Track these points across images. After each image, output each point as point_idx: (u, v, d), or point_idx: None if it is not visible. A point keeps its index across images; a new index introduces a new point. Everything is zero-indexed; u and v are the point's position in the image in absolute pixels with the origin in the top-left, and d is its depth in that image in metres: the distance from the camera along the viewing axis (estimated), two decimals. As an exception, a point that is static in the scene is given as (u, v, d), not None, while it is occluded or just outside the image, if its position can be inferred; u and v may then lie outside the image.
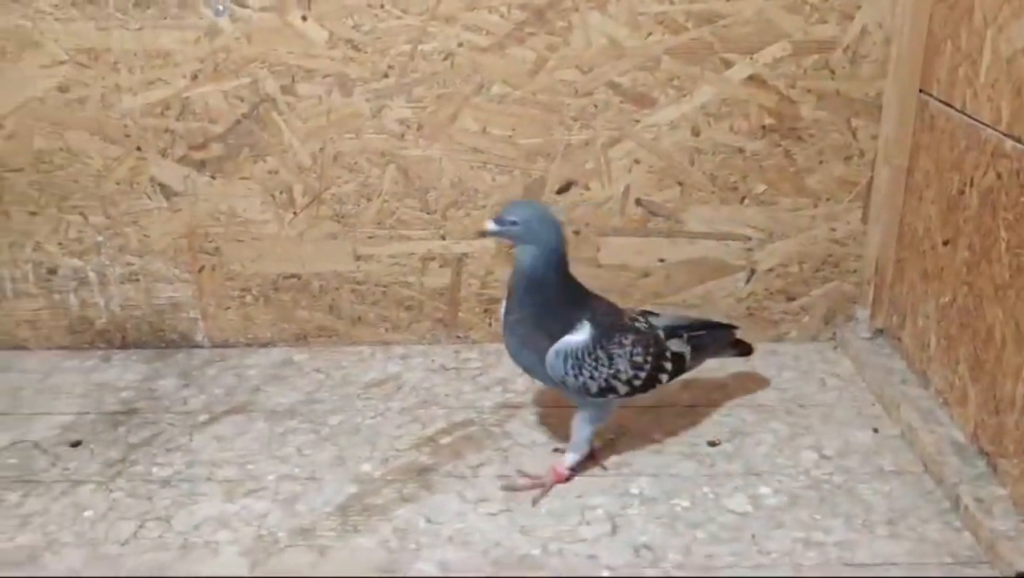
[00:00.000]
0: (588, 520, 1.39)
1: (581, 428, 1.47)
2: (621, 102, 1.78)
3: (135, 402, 1.75)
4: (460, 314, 1.96)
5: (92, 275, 1.92)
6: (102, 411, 1.72)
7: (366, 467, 1.53)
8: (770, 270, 1.91)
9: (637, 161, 1.83)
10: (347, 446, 1.59)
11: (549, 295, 1.40)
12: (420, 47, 1.75)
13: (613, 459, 1.55)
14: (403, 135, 1.81)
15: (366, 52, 1.75)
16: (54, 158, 1.83)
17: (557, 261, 1.39)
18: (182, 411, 1.71)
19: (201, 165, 1.83)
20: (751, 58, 1.76)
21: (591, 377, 1.40)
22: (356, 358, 1.92)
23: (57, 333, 1.97)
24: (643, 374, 1.44)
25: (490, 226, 1.39)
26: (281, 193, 1.86)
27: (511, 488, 1.47)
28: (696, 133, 1.80)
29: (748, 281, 1.92)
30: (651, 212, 1.86)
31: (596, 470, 1.51)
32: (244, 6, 1.71)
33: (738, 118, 1.80)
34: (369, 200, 1.86)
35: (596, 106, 1.79)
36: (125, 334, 1.97)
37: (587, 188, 1.85)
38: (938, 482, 1.44)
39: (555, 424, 1.64)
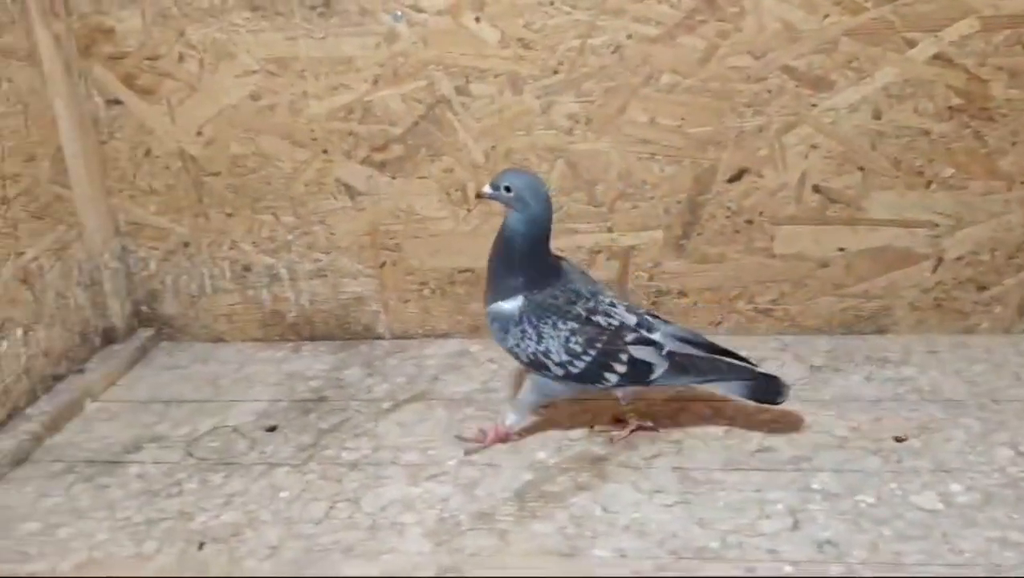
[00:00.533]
0: (768, 514, 1.36)
1: (525, 393, 1.58)
2: (796, 86, 1.74)
3: (324, 390, 1.85)
4: (630, 306, 1.95)
5: (283, 272, 2.04)
6: (294, 399, 1.82)
7: (541, 455, 1.56)
8: (959, 258, 1.82)
9: (814, 146, 1.77)
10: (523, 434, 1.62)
11: (514, 260, 1.50)
12: (589, 41, 1.76)
13: (791, 453, 1.51)
14: (571, 130, 1.83)
15: (536, 50, 1.78)
16: (248, 162, 1.95)
17: (535, 233, 1.50)
18: (367, 399, 1.80)
19: (382, 165, 1.91)
20: (936, 36, 1.68)
21: (517, 345, 1.51)
22: (529, 350, 1.94)
23: (251, 326, 2.10)
24: (580, 364, 1.48)
25: (486, 189, 1.52)
26: (456, 190, 1.91)
27: (460, 438, 1.62)
28: (877, 116, 1.74)
29: (935, 270, 1.83)
30: (830, 199, 1.81)
31: (776, 464, 1.48)
32: (420, 11, 1.78)
33: (923, 99, 1.72)
34: (540, 195, 1.88)
35: (770, 91, 1.75)
36: (313, 327, 2.08)
37: (760, 176, 1.81)
38: None
39: (729, 416, 1.62)
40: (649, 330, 1.51)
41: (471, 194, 1.91)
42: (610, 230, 1.89)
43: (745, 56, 1.73)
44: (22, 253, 1.79)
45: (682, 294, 1.92)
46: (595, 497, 1.44)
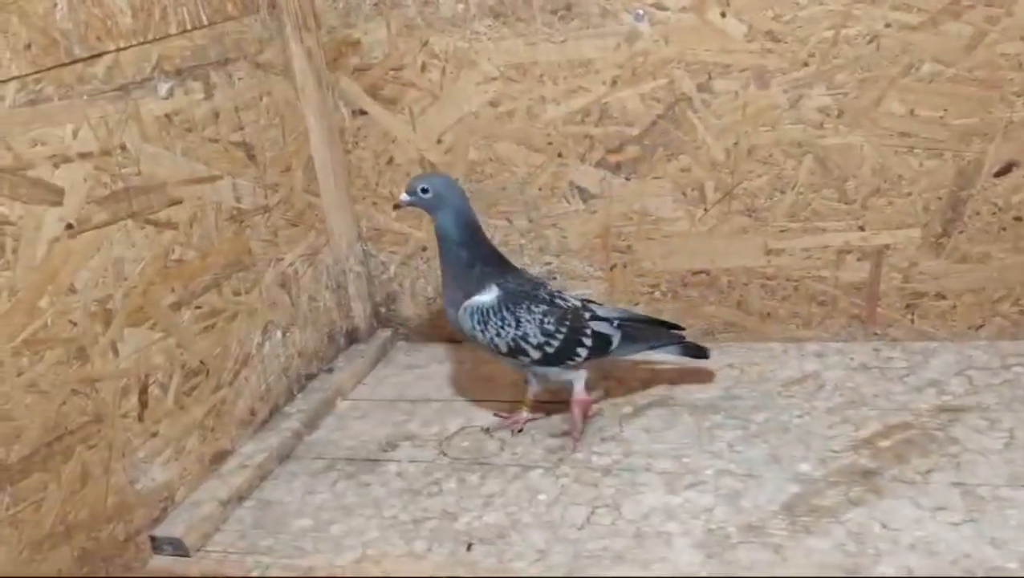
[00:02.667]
0: (1071, 537, 1.26)
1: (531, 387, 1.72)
2: (1078, 72, 1.59)
3: (559, 393, 1.85)
4: (879, 310, 1.86)
5: (515, 274, 2.05)
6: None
7: (804, 467, 1.50)
8: None
9: (1097, 138, 1.62)
10: (779, 445, 1.57)
11: (463, 256, 1.60)
12: (843, 32, 1.68)
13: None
14: (822, 124, 1.75)
15: (785, 42, 1.72)
16: (485, 168, 1.99)
17: (466, 223, 1.59)
18: (607, 402, 1.79)
19: (617, 167, 1.90)
20: None
21: (497, 335, 1.59)
22: (767, 355, 1.89)
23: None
24: (556, 342, 1.60)
25: (403, 198, 1.60)
26: (693, 190, 1.88)
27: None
28: None
29: None
30: (1114, 194, 1.65)
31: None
32: (663, 8, 1.75)
33: None
34: (783, 192, 1.83)
35: (1046, 79, 1.61)
36: (543, 329, 2.09)
37: (1016, 166, 1.67)
38: None
39: (1011, 429, 1.51)
40: (593, 308, 1.67)
41: (709, 193, 1.87)
42: (861, 229, 1.80)
43: (1017, 42, 1.61)
44: (281, 259, 1.89)
45: (940, 296, 1.81)
46: (871, 513, 1.37)
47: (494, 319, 1.60)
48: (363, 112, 2.03)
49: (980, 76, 1.64)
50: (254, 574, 1.44)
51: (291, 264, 1.92)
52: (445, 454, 1.70)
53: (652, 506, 1.46)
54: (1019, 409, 1.56)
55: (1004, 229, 1.73)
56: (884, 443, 1.53)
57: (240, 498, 1.63)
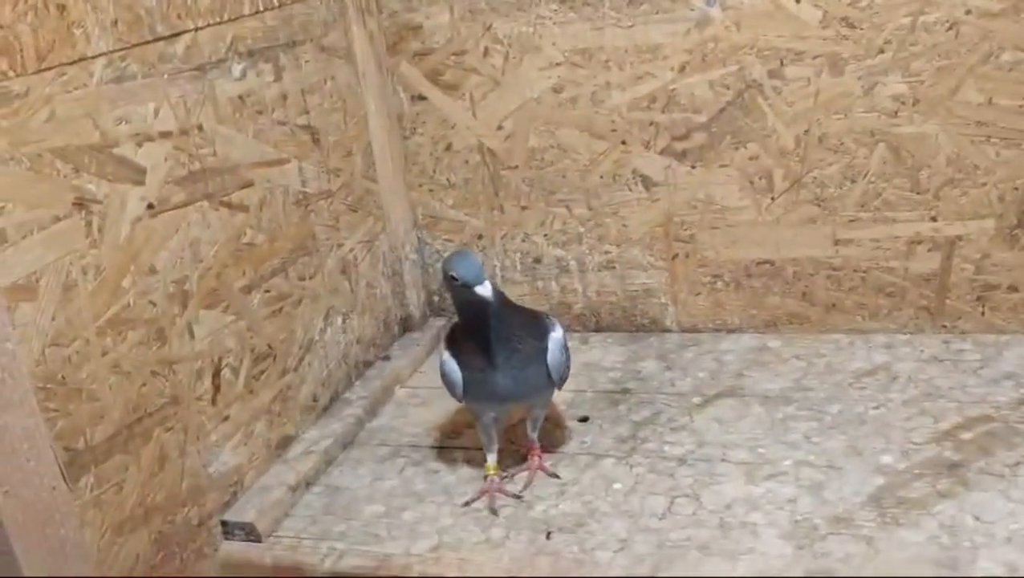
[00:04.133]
0: None
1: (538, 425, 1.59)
2: None
3: (625, 382, 1.84)
4: (948, 302, 1.83)
5: (572, 264, 2.04)
6: (598, 389, 1.82)
7: (886, 459, 1.48)
8: None
9: None
10: (857, 436, 1.54)
11: (512, 311, 1.49)
12: (921, 19, 1.65)
13: None
14: (896, 112, 1.73)
15: (861, 29, 1.69)
16: (545, 155, 1.96)
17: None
18: (673, 392, 1.77)
19: (682, 155, 1.87)
20: None
21: (567, 367, 1.54)
22: (834, 346, 1.87)
23: (539, 317, 2.11)
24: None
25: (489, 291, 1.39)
26: (760, 178, 1.85)
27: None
28: None
29: None
30: None
31: None
32: (737, -7, 1.72)
33: None
34: (854, 182, 1.80)
35: None
36: (599, 318, 2.07)
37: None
38: None
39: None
40: None
41: (777, 181, 1.84)
42: (933, 219, 1.78)
43: (1104, 27, 1.57)
44: (341, 244, 1.87)
45: (1013, 289, 1.78)
46: (962, 505, 1.34)
47: (566, 352, 1.55)
48: (422, 98, 2.01)
49: (1064, 64, 1.61)
50: (328, 560, 1.42)
51: (351, 250, 1.91)
52: (512, 442, 1.67)
53: (733, 497, 1.44)
54: (1105, 402, 1.53)
55: (1083, 220, 1.70)
56: (966, 435, 1.51)
57: (308, 484, 1.61)
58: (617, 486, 1.51)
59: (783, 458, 1.52)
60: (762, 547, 1.31)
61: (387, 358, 2.02)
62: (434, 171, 2.06)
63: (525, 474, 1.57)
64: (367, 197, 1.96)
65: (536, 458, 1.57)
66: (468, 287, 1.38)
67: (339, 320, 1.86)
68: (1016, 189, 1.71)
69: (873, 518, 1.34)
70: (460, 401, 1.53)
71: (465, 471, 1.61)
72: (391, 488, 1.59)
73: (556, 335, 1.51)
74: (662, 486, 1.49)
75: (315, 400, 1.77)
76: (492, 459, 1.55)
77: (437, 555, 1.40)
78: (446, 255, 1.57)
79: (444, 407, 1.82)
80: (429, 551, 1.41)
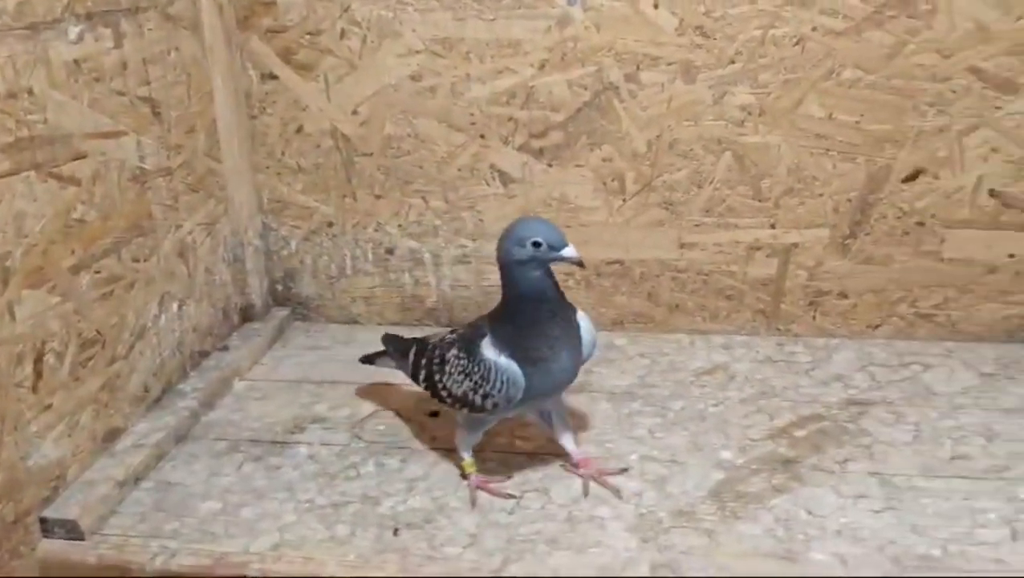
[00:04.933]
0: (982, 523, 1.33)
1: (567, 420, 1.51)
2: (983, 88, 1.69)
3: (476, 378, 1.81)
4: (783, 306, 1.92)
5: (427, 256, 2.01)
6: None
7: (726, 454, 1.52)
8: None
9: (994, 150, 1.73)
10: (698, 433, 1.59)
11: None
12: (771, 32, 1.72)
13: (988, 462, 1.47)
14: (743, 121, 1.79)
15: (714, 39, 1.74)
16: (402, 144, 1.92)
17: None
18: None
19: (539, 153, 1.88)
20: None
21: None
22: (676, 345, 1.92)
23: (388, 310, 2.07)
24: None
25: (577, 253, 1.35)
26: (613, 180, 1.88)
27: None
28: (1065, 121, 1.69)
29: (1108, 281, 1.78)
30: (1005, 204, 1.76)
31: (976, 472, 1.44)
32: (599, -5, 1.74)
33: (1116, 105, 1.67)
34: (700, 187, 1.85)
35: (954, 92, 1.70)
36: (452, 313, 2.05)
37: (936, 177, 1.77)
38: None
39: (917, 422, 1.58)
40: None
41: (629, 184, 1.88)
42: (772, 226, 1.85)
43: (933, 54, 1.69)
44: (180, 226, 1.77)
45: (842, 295, 1.88)
46: (796, 500, 1.40)
47: None
48: (273, 76, 1.93)
49: (897, 85, 1.72)
50: (159, 559, 1.33)
51: (190, 232, 1.81)
52: (359, 437, 1.63)
53: (581, 491, 1.44)
54: (921, 405, 1.64)
55: (907, 233, 1.81)
56: (799, 433, 1.57)
57: (137, 479, 1.51)
58: (466, 481, 1.48)
59: (629, 453, 1.54)
60: (609, 540, 1.33)
61: (225, 348, 1.92)
62: (283, 154, 1.98)
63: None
64: (209, 177, 1.86)
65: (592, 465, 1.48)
66: (555, 250, 1.31)
67: (174, 306, 1.75)
68: (849, 201, 1.81)
69: (714, 512, 1.38)
70: (504, 407, 1.38)
71: (310, 467, 1.55)
72: (228, 484, 1.51)
73: (580, 311, 1.43)
74: (512, 481, 1.48)
75: (146, 390, 1.66)
76: (471, 456, 1.48)
77: (278, 553, 1.33)
78: (509, 225, 1.37)
79: (288, 401, 1.76)
80: (269, 549, 1.34)
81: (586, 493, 1.43)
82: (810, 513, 1.37)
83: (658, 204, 1.89)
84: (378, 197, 1.97)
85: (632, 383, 1.77)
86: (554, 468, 1.51)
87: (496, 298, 1.97)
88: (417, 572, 1.28)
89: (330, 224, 2.02)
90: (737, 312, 1.95)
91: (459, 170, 1.92)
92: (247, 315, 2.05)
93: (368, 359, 1.71)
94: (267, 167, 2.00)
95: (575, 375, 1.41)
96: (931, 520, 1.34)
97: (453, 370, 1.42)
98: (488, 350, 1.38)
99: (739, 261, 1.90)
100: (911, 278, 1.84)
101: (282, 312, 2.10)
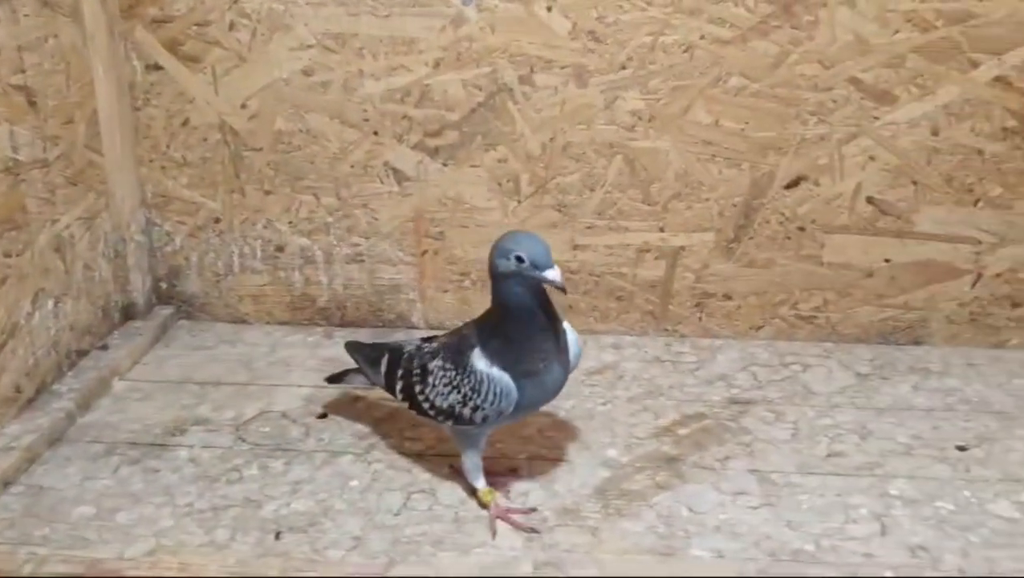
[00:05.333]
0: (854, 519, 1.38)
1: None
2: (862, 98, 1.76)
3: (367, 379, 1.79)
4: (671, 307, 1.96)
5: (318, 254, 1.98)
6: (339, 385, 1.76)
7: (611, 453, 1.55)
8: (998, 275, 1.87)
9: (872, 158, 1.80)
10: (586, 431, 1.61)
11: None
12: (661, 39, 1.76)
13: (863, 460, 1.53)
14: (633, 126, 1.82)
15: (606, 44, 1.77)
16: (293, 139, 1.89)
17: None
18: (415, 389, 1.75)
19: (435, 152, 1.87)
20: (999, 59, 1.72)
21: None
22: (569, 346, 1.93)
23: (278, 309, 2.03)
24: None
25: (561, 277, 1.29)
26: (508, 181, 1.89)
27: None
28: (935, 132, 1.77)
29: (974, 285, 1.88)
30: (882, 211, 1.84)
31: (850, 469, 1.50)
32: (493, -5, 1.74)
33: (980, 119, 1.76)
34: (592, 190, 1.88)
35: (835, 101, 1.77)
36: (344, 313, 2.03)
37: (817, 184, 1.83)
38: None
39: (795, 421, 1.63)
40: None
41: (523, 185, 1.88)
42: (661, 230, 1.89)
43: (815, 65, 1.75)
44: (57, 220, 1.70)
45: (727, 297, 1.93)
46: (677, 497, 1.43)
47: None
48: (158, 67, 1.87)
49: (780, 93, 1.77)
50: (28, 566, 1.27)
51: (67, 227, 1.74)
52: (243, 440, 1.59)
53: (467, 492, 1.44)
54: (800, 403, 1.69)
55: (788, 238, 1.87)
56: (683, 431, 1.61)
57: (6, 483, 1.44)
58: (353, 483, 1.47)
59: (519, 452, 1.55)
60: (494, 540, 1.33)
61: (105, 348, 1.85)
62: (168, 147, 1.92)
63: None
64: (89, 170, 1.79)
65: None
66: (538, 269, 1.26)
67: (50, 303, 1.68)
68: (734, 206, 1.86)
69: (598, 509, 1.40)
70: (493, 420, 1.34)
71: (190, 470, 1.51)
72: (104, 488, 1.46)
73: (571, 331, 1.39)
74: (399, 482, 1.47)
75: (18, 391, 1.59)
76: (484, 483, 1.40)
77: (154, 559, 1.29)
78: (503, 236, 1.32)
79: (169, 402, 1.70)
80: (145, 555, 1.30)
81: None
82: (691, 510, 1.40)
83: (552, 206, 1.90)
84: (268, 193, 1.93)
85: (523, 383, 1.77)
86: (442, 469, 1.50)
87: (389, 298, 1.98)
88: (298, 576, 1.26)
89: (217, 220, 1.97)
90: (627, 313, 1.98)
91: (352, 167, 1.90)
92: (129, 313, 1.98)
93: (335, 378, 1.62)
94: (151, 160, 1.93)
95: (562, 388, 1.38)
96: (806, 516, 1.39)
97: (438, 382, 1.36)
98: (480, 361, 1.33)
99: (629, 263, 1.93)
100: (792, 281, 1.90)
101: (166, 310, 2.03)
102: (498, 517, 1.36)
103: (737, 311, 1.94)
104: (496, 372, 1.31)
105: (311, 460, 1.53)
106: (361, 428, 1.63)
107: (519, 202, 1.90)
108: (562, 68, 1.79)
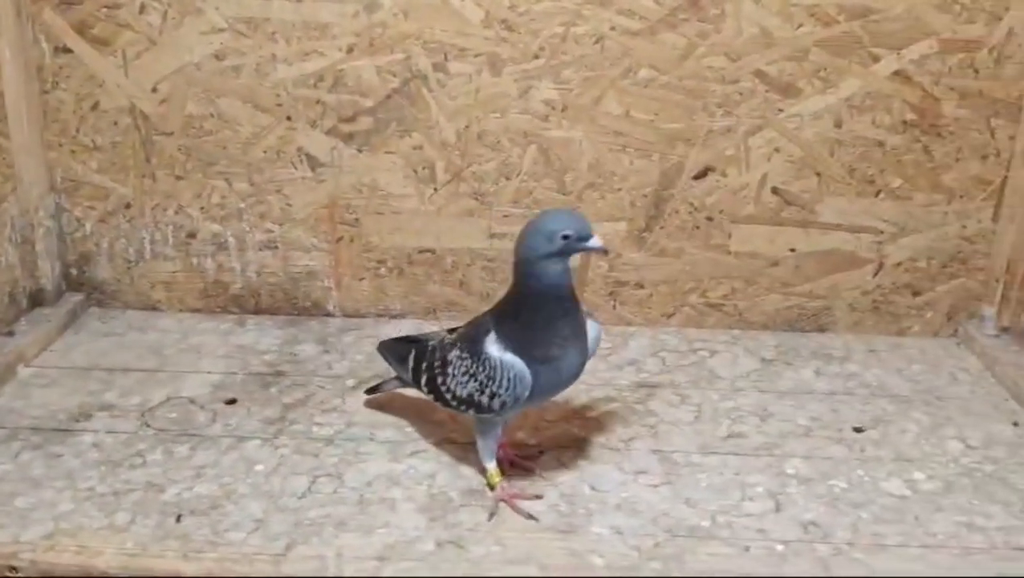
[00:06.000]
0: (750, 496, 1.42)
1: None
2: (767, 91, 1.81)
3: (280, 365, 1.80)
4: (585, 295, 1.99)
5: (231, 240, 1.96)
6: (249, 372, 1.76)
7: (520, 435, 1.56)
8: (898, 264, 1.93)
9: (777, 150, 1.85)
10: (497, 415, 1.62)
11: None
12: (572, 30, 1.78)
13: (761, 440, 1.57)
14: (547, 116, 1.84)
15: (519, 33, 1.79)
16: (204, 124, 1.87)
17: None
18: (329, 375, 1.76)
19: (349, 137, 1.87)
20: (898, 54, 1.78)
21: None
22: (484, 333, 1.95)
23: (191, 296, 2.01)
24: None
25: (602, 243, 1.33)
26: (424, 168, 1.89)
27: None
28: (838, 125, 1.83)
29: (876, 274, 1.94)
30: (786, 201, 1.89)
31: (749, 449, 1.54)
32: (406, -18, 1.75)
33: (881, 112, 1.82)
34: (508, 179, 1.89)
35: (741, 94, 1.81)
36: (258, 300, 2.01)
37: (724, 175, 1.87)
38: (1090, 474, 1.46)
39: (699, 404, 1.67)
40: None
41: (439, 172, 1.89)
42: (576, 218, 1.91)
43: (721, 57, 1.79)
44: (-43, 203, 1.66)
45: (639, 286, 1.96)
46: (582, 476, 1.46)
47: None
48: (67, 50, 1.84)
49: (688, 86, 1.81)
50: (-85, 555, 1.25)
51: (-30, 210, 1.69)
52: (148, 425, 1.58)
53: (375, 474, 1.45)
54: (705, 387, 1.73)
55: (697, 228, 1.91)
56: (591, 414, 1.64)
57: None
58: (259, 468, 1.47)
59: (429, 436, 1.56)
60: (397, 521, 1.34)
61: (11, 334, 1.82)
62: (77, 131, 1.89)
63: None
64: (-6, 153, 1.76)
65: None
66: (584, 241, 1.27)
67: (-50, 288, 1.64)
68: (645, 196, 1.89)
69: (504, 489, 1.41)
70: (512, 406, 1.33)
71: (93, 455, 1.49)
72: (3, 473, 1.43)
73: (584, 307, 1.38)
74: (305, 466, 1.47)
75: (-87, 377, 1.55)
76: (495, 465, 1.41)
77: (51, 542, 1.27)
78: (532, 219, 1.32)
79: (75, 388, 1.68)
80: (42, 538, 1.28)
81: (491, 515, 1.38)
82: (593, 489, 1.43)
83: (468, 194, 1.92)
84: (179, 178, 1.91)
85: (437, 369, 1.79)
86: (350, 453, 1.50)
87: (304, 286, 1.97)
88: (196, 558, 1.25)
89: (128, 205, 1.94)
90: (543, 301, 1.99)
91: (265, 152, 1.89)
92: (37, 300, 1.94)
93: (373, 390, 1.62)
94: (60, 144, 1.90)
95: (580, 373, 1.37)
96: (704, 494, 1.42)
97: (456, 372, 1.36)
98: (492, 347, 1.32)
99: (545, 251, 1.94)
100: (701, 270, 1.94)
101: (76, 297, 2.00)
102: (502, 500, 1.37)
103: (649, 299, 1.98)
104: (509, 358, 1.30)
105: (217, 445, 1.52)
106: (270, 414, 1.62)
107: (435, 189, 1.91)
108: (476, 56, 1.81)
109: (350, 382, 1.73)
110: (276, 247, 1.97)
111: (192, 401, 1.66)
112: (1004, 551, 1.31)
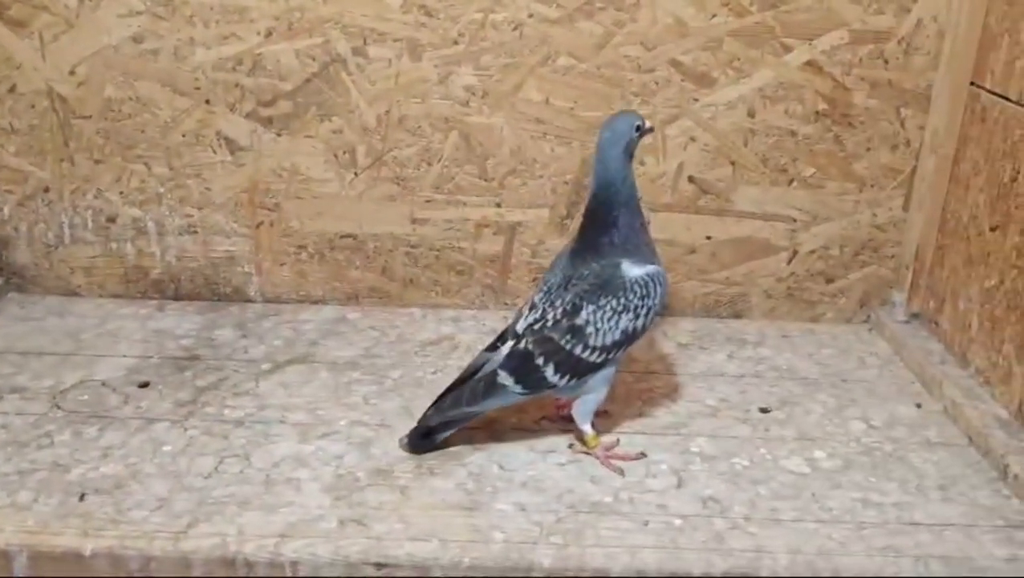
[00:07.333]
0: (654, 474, 1.45)
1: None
2: (682, 80, 1.84)
3: (196, 349, 1.79)
4: (509, 281, 2.01)
5: (151, 225, 1.95)
6: (165, 356, 1.75)
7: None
8: (812, 252, 1.98)
9: (693, 139, 1.88)
10: (412, 398, 1.64)
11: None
12: (491, 16, 1.80)
13: (669, 420, 1.61)
14: (468, 102, 1.86)
15: (438, 18, 1.80)
16: (123, 107, 1.86)
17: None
18: (244, 359, 1.75)
19: (268, 121, 1.87)
20: (810, 44, 1.82)
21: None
22: (408, 319, 1.97)
23: (111, 281, 2.00)
24: None
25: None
26: (344, 153, 1.90)
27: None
28: (752, 115, 1.86)
29: (790, 262, 1.98)
30: (702, 190, 1.92)
31: (657, 429, 1.57)
32: (324, -34, 1.75)
33: (793, 102, 1.86)
34: (430, 164, 1.91)
35: (657, 83, 1.84)
36: (179, 285, 2.00)
37: (642, 163, 1.90)
38: (984, 453, 1.51)
39: (613, 386, 1.69)
40: None
41: (360, 157, 1.90)
42: (498, 205, 1.93)
43: (638, 46, 1.82)
44: None
45: (561, 271, 1.98)
46: (491, 456, 1.47)
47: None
48: (-19, 30, 1.81)
49: (606, 74, 1.83)
50: None
51: None
52: (59, 407, 1.57)
53: (283, 455, 1.46)
54: (620, 370, 1.73)
55: (616, 214, 1.93)
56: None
57: None
58: (167, 449, 1.47)
59: (339, 419, 1.57)
60: (301, 500, 1.35)
61: (-80, 317, 1.78)
62: (-7, 113, 1.86)
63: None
64: (-98, 133, 1.73)
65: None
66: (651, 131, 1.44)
67: None
68: (566, 183, 1.92)
69: (411, 470, 1.43)
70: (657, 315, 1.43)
71: (0, 436, 1.47)
72: (-98, 455, 1.41)
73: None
74: (213, 447, 1.47)
75: None
76: (593, 429, 1.46)
77: (-54, 523, 1.26)
78: (610, 122, 1.45)
79: (-16, 370, 1.66)
80: (-63, 519, 1.27)
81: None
82: (502, 467, 1.45)
83: (390, 179, 1.92)
84: (98, 162, 1.90)
85: (357, 354, 1.80)
86: (259, 434, 1.50)
87: (224, 271, 1.96)
88: (97, 536, 1.25)
89: (46, 189, 1.92)
90: (468, 287, 2.01)
91: (184, 136, 1.88)
92: (-49, 284, 1.91)
93: (427, 435, 1.47)
94: (-25, 127, 1.87)
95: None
96: (608, 471, 1.45)
97: (601, 323, 1.39)
98: (633, 270, 1.42)
99: (468, 238, 1.97)
100: (622, 256, 1.96)
101: (-8, 281, 1.97)
102: (607, 457, 1.45)
103: (570, 285, 2.00)
104: (651, 269, 1.43)
105: (126, 426, 1.52)
106: (182, 397, 1.62)
107: (356, 174, 1.91)
108: (395, 41, 1.81)
109: (265, 366, 1.73)
110: (196, 232, 1.96)
111: (105, 384, 1.65)
112: (897, 526, 1.34)
